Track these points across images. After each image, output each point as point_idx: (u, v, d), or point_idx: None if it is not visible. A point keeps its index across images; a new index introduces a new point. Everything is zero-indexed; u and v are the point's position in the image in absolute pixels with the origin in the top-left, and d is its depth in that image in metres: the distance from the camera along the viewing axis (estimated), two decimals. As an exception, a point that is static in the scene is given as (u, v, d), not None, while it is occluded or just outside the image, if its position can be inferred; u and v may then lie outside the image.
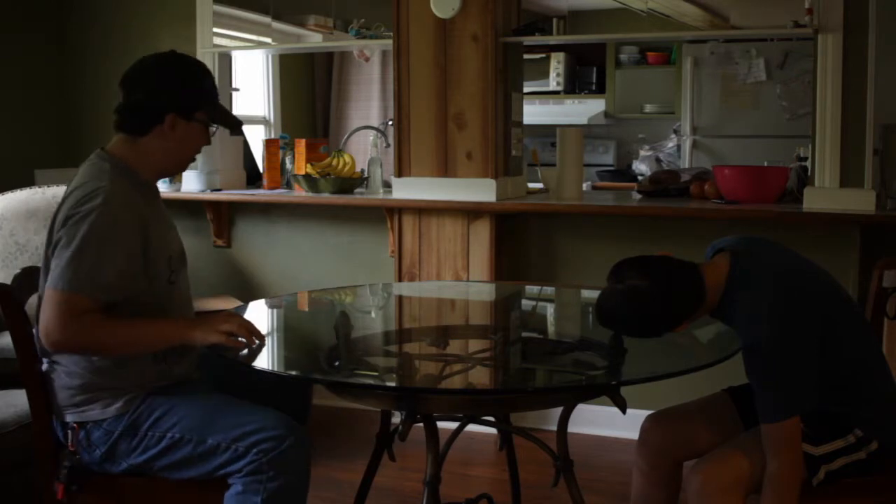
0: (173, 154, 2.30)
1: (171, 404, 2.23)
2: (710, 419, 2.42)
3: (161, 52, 2.35)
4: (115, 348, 2.18)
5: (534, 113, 6.26)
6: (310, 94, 6.31)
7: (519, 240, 4.05)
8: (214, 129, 2.35)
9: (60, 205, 2.21)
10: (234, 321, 2.22)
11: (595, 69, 7.01)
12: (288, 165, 4.35)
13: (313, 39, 5.00)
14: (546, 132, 5.71)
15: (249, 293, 4.31)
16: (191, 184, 4.39)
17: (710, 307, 2.23)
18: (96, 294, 2.11)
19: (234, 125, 2.43)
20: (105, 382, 2.22)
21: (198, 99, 2.30)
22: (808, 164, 3.70)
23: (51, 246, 2.18)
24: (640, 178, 5.49)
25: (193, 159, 2.39)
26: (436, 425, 2.19)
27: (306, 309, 3.14)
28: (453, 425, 2.68)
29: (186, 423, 2.19)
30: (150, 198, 2.31)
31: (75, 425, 2.22)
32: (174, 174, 2.41)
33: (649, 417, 2.46)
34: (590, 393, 2.29)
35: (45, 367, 2.26)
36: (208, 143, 2.36)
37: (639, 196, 4.07)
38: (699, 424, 2.41)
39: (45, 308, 2.11)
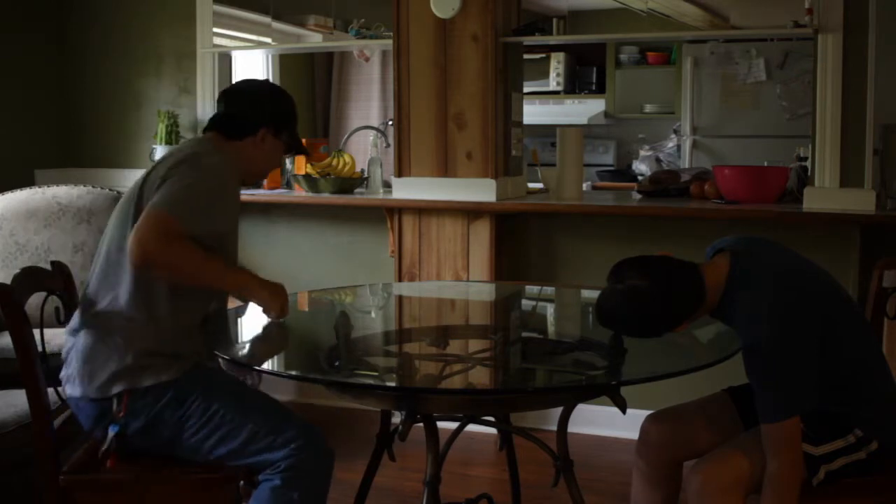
0: (257, 163, 2.56)
1: (214, 380, 2.37)
2: (710, 419, 2.42)
3: (259, 79, 2.71)
4: (196, 273, 2.29)
5: (534, 113, 6.26)
6: (310, 94, 6.30)
7: (519, 240, 4.05)
8: (288, 152, 2.63)
9: (165, 158, 2.39)
10: (286, 308, 2.43)
11: (595, 69, 7.01)
12: (288, 165, 4.35)
13: (313, 39, 5.00)
14: (546, 132, 5.71)
15: (249, 293, 4.30)
16: (191, 184, 4.39)
17: (710, 307, 2.23)
18: (188, 229, 2.24)
19: (304, 152, 2.78)
20: (161, 348, 2.31)
21: (287, 121, 2.58)
22: (808, 164, 3.70)
23: (152, 178, 2.33)
24: (640, 178, 5.49)
25: (264, 176, 2.65)
26: (436, 425, 2.20)
27: (306, 309, 3.14)
28: (453, 425, 2.68)
29: (228, 401, 2.30)
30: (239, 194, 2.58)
31: (125, 393, 2.27)
32: (248, 183, 2.74)
33: (649, 417, 2.46)
34: (590, 393, 2.29)
35: (88, 338, 2.31)
36: (281, 164, 2.52)
37: (639, 196, 4.07)
38: (699, 424, 2.41)
39: (143, 225, 2.20)
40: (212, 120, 2.54)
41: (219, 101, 2.59)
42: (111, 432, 2.26)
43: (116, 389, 2.28)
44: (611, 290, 2.20)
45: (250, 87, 2.67)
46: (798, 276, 2.24)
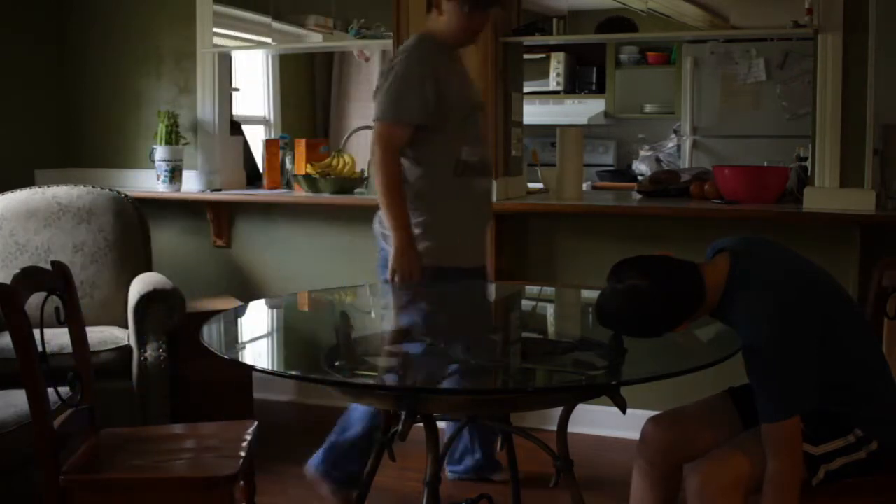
0: (447, 27, 3.07)
1: None
2: (710, 420, 2.41)
3: None
4: (383, 194, 2.95)
5: (534, 113, 6.25)
6: (310, 94, 6.30)
7: (519, 240, 4.04)
8: (466, 8, 3.01)
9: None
10: (413, 280, 2.95)
11: (595, 69, 7.01)
12: (288, 165, 4.35)
13: (313, 39, 5.00)
14: (546, 132, 5.70)
15: (249, 293, 4.30)
16: (191, 184, 4.39)
17: (710, 307, 2.23)
18: (401, 116, 2.94)
19: (484, 5, 3.07)
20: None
21: None
22: (808, 164, 3.70)
23: None
24: (640, 178, 5.48)
25: (474, 35, 3.15)
26: (436, 425, 2.19)
27: (306, 309, 3.14)
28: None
29: None
30: (447, 58, 3.11)
31: None
32: (461, 45, 3.19)
33: (650, 420, 2.46)
34: (590, 393, 2.29)
35: None
36: (468, 23, 3.04)
37: (639, 196, 4.07)
38: (700, 427, 2.41)
39: (372, 137, 2.99)
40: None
41: None
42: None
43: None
44: (611, 290, 2.20)
45: None
46: (798, 276, 2.24)
